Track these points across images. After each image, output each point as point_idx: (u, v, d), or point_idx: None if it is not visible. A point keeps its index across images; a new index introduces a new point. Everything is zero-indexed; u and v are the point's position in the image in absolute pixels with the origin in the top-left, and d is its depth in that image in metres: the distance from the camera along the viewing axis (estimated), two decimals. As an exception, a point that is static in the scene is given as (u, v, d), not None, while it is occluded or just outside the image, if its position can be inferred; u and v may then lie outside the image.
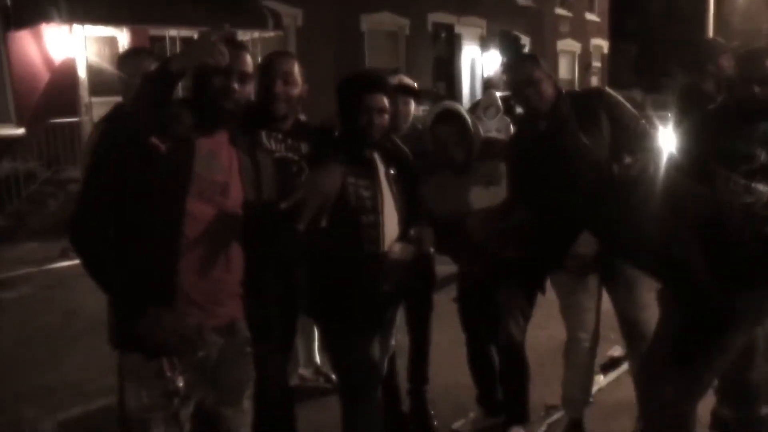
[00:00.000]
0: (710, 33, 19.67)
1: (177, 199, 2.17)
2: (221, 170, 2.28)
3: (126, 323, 2.17)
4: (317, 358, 4.37)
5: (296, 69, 2.89)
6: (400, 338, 3.38)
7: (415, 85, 3.81)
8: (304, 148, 2.89)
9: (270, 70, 2.86)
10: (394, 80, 3.55)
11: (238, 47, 2.37)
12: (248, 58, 2.35)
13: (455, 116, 3.28)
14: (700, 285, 2.60)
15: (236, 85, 2.28)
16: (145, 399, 2.19)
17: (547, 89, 3.02)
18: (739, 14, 25.07)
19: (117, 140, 2.22)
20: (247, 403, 2.45)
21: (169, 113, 2.22)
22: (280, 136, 2.87)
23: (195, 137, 2.24)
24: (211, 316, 2.28)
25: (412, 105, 3.71)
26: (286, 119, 2.90)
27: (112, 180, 2.12)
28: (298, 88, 2.89)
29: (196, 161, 2.21)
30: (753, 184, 2.71)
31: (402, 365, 3.68)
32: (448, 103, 3.45)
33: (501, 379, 3.55)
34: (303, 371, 4.31)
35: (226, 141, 2.32)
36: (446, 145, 3.27)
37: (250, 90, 2.38)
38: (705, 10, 19.82)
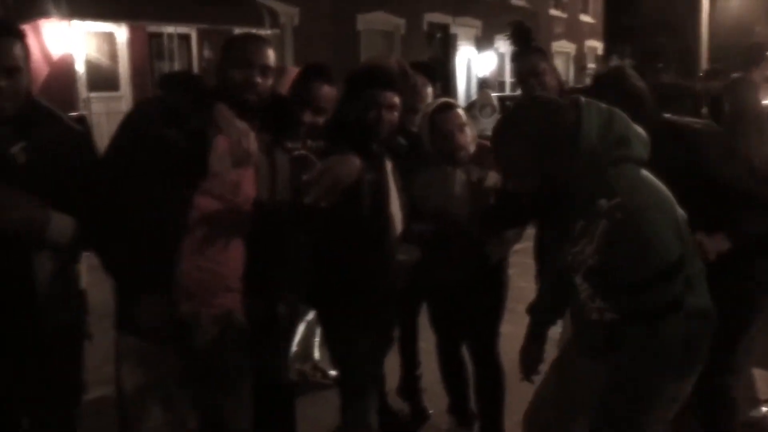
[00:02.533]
0: (704, 35, 19.85)
1: (186, 192, 2.22)
2: (235, 169, 2.31)
3: (124, 305, 2.24)
4: (316, 354, 4.42)
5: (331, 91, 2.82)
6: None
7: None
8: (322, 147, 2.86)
9: (308, 84, 2.80)
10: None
11: (261, 41, 2.40)
12: (270, 52, 2.37)
13: (455, 111, 3.22)
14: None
15: (258, 79, 2.32)
16: (141, 380, 2.24)
17: (551, 81, 3.15)
18: (732, 19, 25.22)
19: (143, 123, 2.28)
20: (247, 397, 2.48)
21: (197, 108, 2.28)
22: (300, 135, 2.83)
23: (215, 133, 2.27)
24: (207, 305, 2.31)
25: (429, 87, 3.64)
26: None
27: (130, 160, 2.20)
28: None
29: (212, 158, 2.25)
30: None
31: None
32: (446, 100, 3.51)
33: (476, 388, 3.39)
34: (301, 366, 4.32)
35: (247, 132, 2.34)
36: (445, 136, 3.16)
37: (271, 83, 2.40)
38: (698, 12, 19.97)
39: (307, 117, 2.77)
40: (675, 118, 2.82)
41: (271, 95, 2.46)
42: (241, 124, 2.32)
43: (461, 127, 3.16)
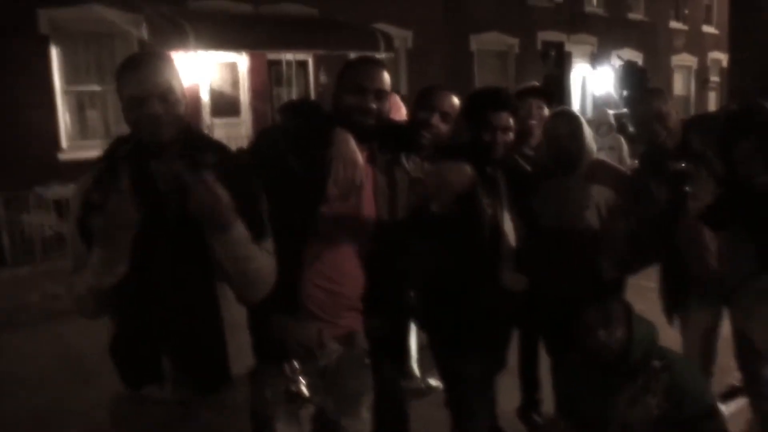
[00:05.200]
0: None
1: (307, 216, 2.28)
2: (355, 191, 2.36)
3: (255, 328, 2.29)
4: (417, 371, 4.44)
5: (455, 107, 2.93)
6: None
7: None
8: None
9: (429, 102, 2.89)
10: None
11: (375, 65, 2.43)
12: (386, 76, 2.39)
13: (571, 115, 3.25)
14: None
15: (373, 104, 2.35)
16: (268, 396, 2.31)
17: (675, 124, 3.01)
18: None
19: (267, 151, 2.33)
20: (366, 414, 2.52)
21: (316, 134, 2.33)
22: (417, 158, 2.98)
23: (332, 158, 2.31)
24: (331, 326, 2.37)
25: (546, 109, 3.64)
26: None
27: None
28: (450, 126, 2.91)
29: (330, 182, 2.30)
30: None
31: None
32: (564, 107, 3.48)
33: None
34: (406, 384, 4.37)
35: (364, 159, 2.38)
36: (559, 138, 3.18)
37: (387, 107, 2.42)
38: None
39: (435, 120, 2.82)
40: None
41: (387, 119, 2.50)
42: (353, 153, 2.35)
43: (573, 132, 3.15)
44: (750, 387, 3.38)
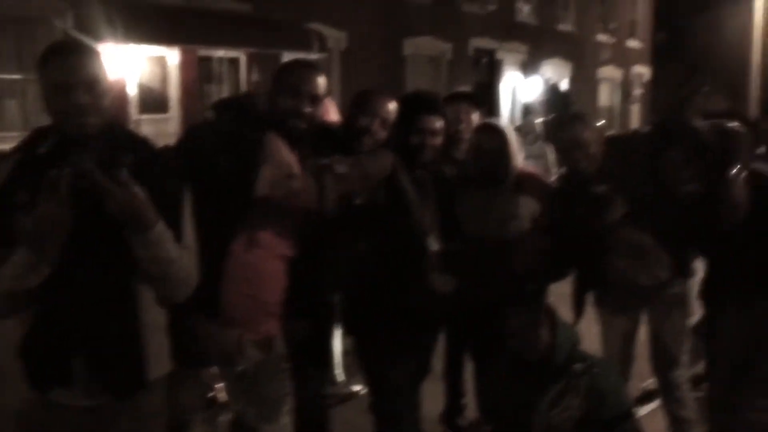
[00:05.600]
0: (757, 60, 19.49)
1: (232, 218, 2.26)
2: (283, 194, 2.35)
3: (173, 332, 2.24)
4: (341, 376, 4.38)
5: (393, 113, 2.85)
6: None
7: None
8: None
9: (369, 108, 2.78)
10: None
11: (311, 69, 2.42)
12: (320, 80, 2.37)
13: (497, 130, 3.24)
14: None
15: (308, 108, 2.34)
16: (184, 402, 2.28)
17: (596, 150, 3.06)
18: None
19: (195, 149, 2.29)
20: (285, 419, 2.50)
21: (250, 137, 2.30)
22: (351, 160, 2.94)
23: (263, 161, 2.30)
24: (250, 331, 2.35)
25: (475, 115, 3.60)
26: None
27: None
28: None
29: (258, 184, 2.28)
30: None
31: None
32: (492, 119, 3.49)
33: None
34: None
35: (294, 163, 2.36)
36: (485, 153, 3.19)
37: (322, 111, 2.44)
38: (750, 34, 19.65)
39: (376, 127, 2.77)
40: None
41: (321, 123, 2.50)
42: (289, 158, 2.33)
43: (500, 148, 3.17)
44: (664, 391, 3.48)
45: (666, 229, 3.05)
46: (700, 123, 2.98)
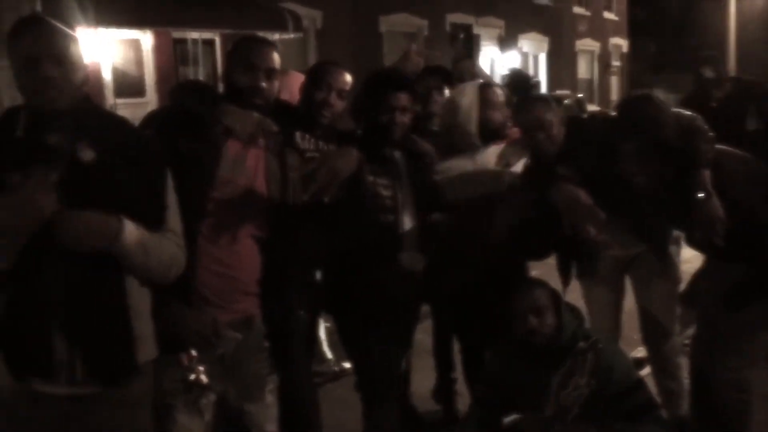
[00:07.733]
0: (731, 35, 19.58)
1: (198, 201, 2.24)
2: (246, 174, 2.35)
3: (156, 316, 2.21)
4: (329, 354, 4.42)
5: (349, 84, 2.98)
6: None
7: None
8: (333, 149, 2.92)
9: (323, 80, 2.92)
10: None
11: (265, 44, 2.43)
12: (275, 56, 2.38)
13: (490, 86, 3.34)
14: None
15: (263, 83, 2.33)
16: (166, 386, 2.26)
17: (558, 133, 3.02)
18: (757, 19, 24.80)
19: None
20: (270, 398, 2.51)
21: (208, 117, 2.30)
22: (312, 138, 2.93)
23: (224, 141, 2.30)
24: (227, 312, 2.34)
25: (446, 90, 3.65)
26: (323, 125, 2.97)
27: None
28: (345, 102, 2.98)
29: (222, 165, 2.28)
30: None
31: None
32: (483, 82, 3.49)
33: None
34: (318, 368, 4.33)
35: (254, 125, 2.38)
36: (458, 125, 3.23)
37: (277, 86, 2.42)
38: (725, 9, 19.72)
39: (333, 100, 2.89)
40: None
41: (277, 99, 2.49)
42: (246, 112, 2.36)
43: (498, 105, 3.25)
44: (654, 362, 3.51)
45: (625, 212, 3.05)
46: (668, 113, 2.89)
